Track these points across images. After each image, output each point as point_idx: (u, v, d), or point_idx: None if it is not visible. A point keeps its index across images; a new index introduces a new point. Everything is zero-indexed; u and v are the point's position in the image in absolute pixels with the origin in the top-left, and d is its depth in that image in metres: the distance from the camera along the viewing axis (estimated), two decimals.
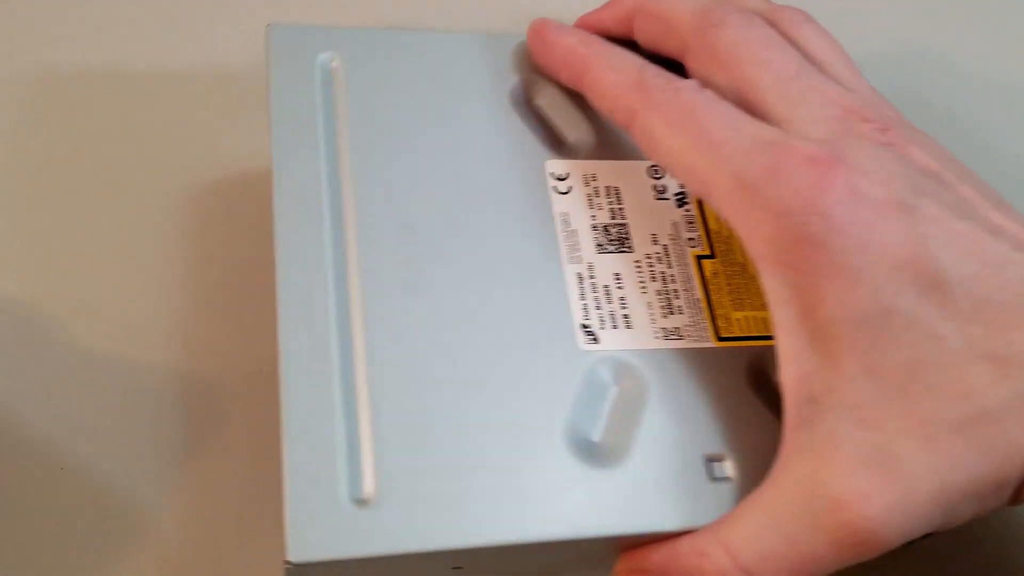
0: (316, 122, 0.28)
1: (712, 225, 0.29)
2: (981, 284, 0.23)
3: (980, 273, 0.23)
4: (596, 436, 0.26)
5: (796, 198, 0.23)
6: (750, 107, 0.26)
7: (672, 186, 0.30)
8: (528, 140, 0.29)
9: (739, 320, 0.28)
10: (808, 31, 0.29)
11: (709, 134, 0.25)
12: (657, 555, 0.25)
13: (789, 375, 0.24)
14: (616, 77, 0.27)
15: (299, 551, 0.23)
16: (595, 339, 0.27)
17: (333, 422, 0.24)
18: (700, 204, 0.29)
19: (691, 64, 0.28)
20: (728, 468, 0.25)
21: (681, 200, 0.29)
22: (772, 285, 0.24)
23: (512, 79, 0.30)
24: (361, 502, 0.23)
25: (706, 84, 0.28)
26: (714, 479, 0.25)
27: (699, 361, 0.27)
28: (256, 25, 0.31)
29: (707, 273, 0.28)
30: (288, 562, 0.23)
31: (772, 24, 0.28)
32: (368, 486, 0.24)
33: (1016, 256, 0.23)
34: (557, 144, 0.30)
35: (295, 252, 0.26)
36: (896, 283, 0.23)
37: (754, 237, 0.24)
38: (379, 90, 0.29)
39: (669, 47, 0.29)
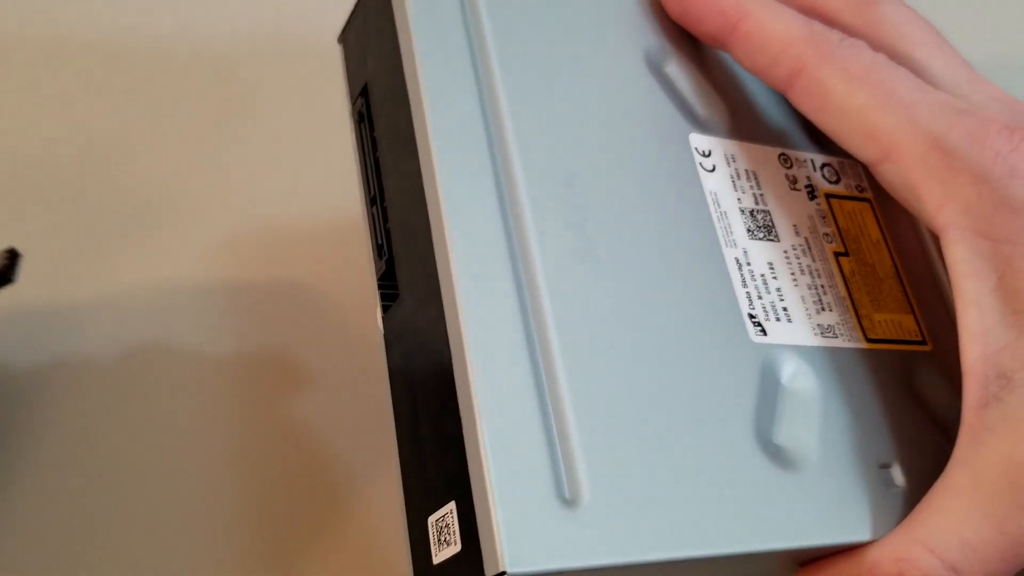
0: (463, 52, 0.24)
1: (842, 223, 0.28)
2: None
3: None
4: (778, 438, 0.23)
5: (999, 163, 0.23)
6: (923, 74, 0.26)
7: (801, 177, 0.28)
8: (668, 108, 0.27)
9: (881, 322, 0.26)
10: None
11: (900, 93, 0.24)
12: (848, 568, 0.23)
13: (975, 353, 0.23)
14: (783, 27, 0.25)
15: (516, 562, 0.19)
16: (763, 331, 0.24)
17: (533, 412, 0.20)
18: (828, 200, 0.28)
19: None
20: (898, 475, 0.24)
21: (811, 193, 0.28)
22: (964, 256, 0.23)
23: (645, 40, 0.27)
24: (570, 503, 0.20)
25: None
26: (888, 486, 0.24)
27: (856, 362, 0.25)
28: None
29: (846, 271, 0.27)
30: (504, 574, 0.18)
31: None
32: (577, 485, 0.20)
33: None
34: (692, 117, 0.27)
35: (462, 204, 0.22)
36: None
37: (949, 204, 0.23)
38: (523, 26, 0.25)
39: None
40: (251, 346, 0.29)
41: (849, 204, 0.28)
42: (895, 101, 0.24)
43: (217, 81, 0.35)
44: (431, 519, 0.21)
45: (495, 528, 0.19)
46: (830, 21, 0.27)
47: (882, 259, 0.28)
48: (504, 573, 0.18)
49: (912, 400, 0.26)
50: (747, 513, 0.22)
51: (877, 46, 0.26)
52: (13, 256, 0.25)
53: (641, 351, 0.22)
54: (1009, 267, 0.23)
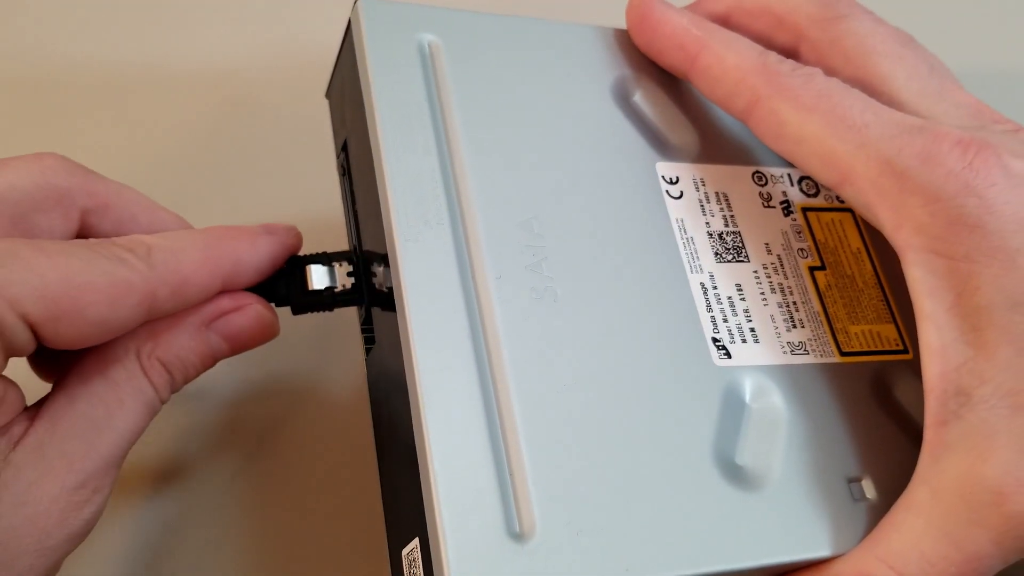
0: (423, 109, 0.25)
1: (819, 236, 0.28)
2: None
3: None
4: (740, 458, 0.24)
5: (951, 181, 0.23)
6: (882, 101, 0.26)
7: (776, 194, 0.28)
8: (634, 139, 0.28)
9: (857, 334, 0.27)
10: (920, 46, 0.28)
11: (850, 118, 0.24)
12: None
13: (934, 370, 0.23)
14: (737, 59, 0.26)
15: None
16: (728, 354, 0.25)
17: (484, 450, 0.22)
18: (805, 214, 0.28)
19: (808, 57, 0.27)
20: (868, 488, 0.25)
21: (787, 209, 0.28)
22: (921, 275, 0.23)
23: (612, 73, 0.28)
24: (520, 537, 0.21)
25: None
26: (855, 500, 0.24)
27: (827, 377, 0.26)
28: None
29: (821, 285, 0.27)
30: None
31: None
32: (526, 519, 0.21)
33: None
34: (661, 145, 0.28)
35: (419, 255, 0.23)
36: None
37: (904, 225, 0.23)
38: (484, 77, 0.27)
39: (780, 40, 0.28)
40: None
41: (828, 216, 0.28)
42: (846, 126, 0.24)
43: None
44: (403, 552, 0.23)
45: (444, 563, 0.20)
46: (799, 38, 0.27)
47: (863, 269, 0.28)
48: None
49: (888, 411, 0.26)
50: (705, 535, 0.22)
51: (843, 61, 0.27)
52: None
53: (597, 384, 0.23)
54: (966, 285, 0.23)
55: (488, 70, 0.27)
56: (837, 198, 0.29)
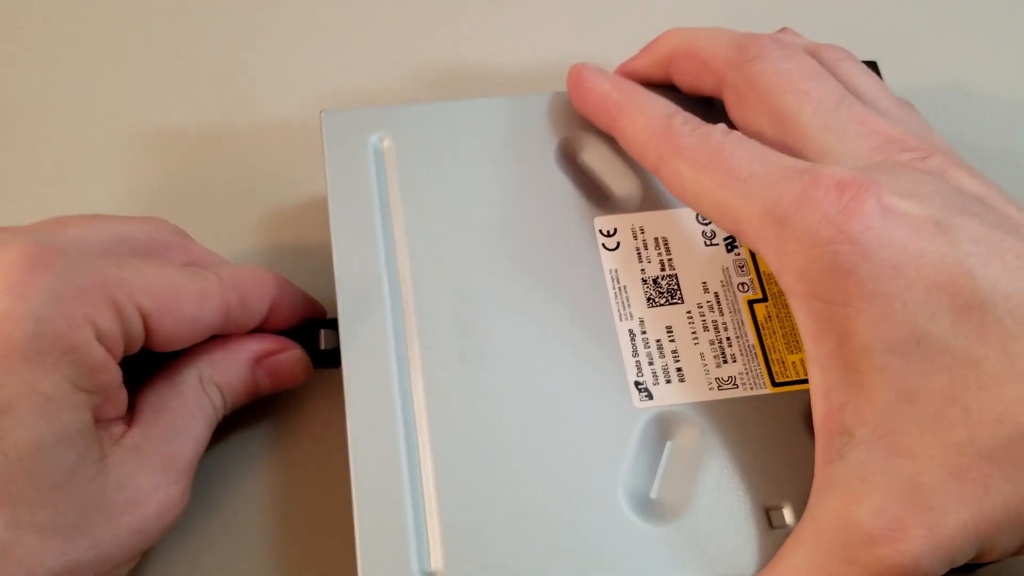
0: (372, 202, 0.29)
1: (764, 268, 0.29)
2: None
3: None
4: (653, 493, 0.26)
5: (824, 227, 0.23)
6: (790, 139, 0.27)
7: (721, 232, 0.30)
8: (575, 197, 0.30)
9: (794, 363, 0.28)
10: (849, 66, 0.29)
11: (736, 170, 0.25)
12: None
13: (820, 411, 0.24)
14: (645, 122, 0.28)
15: None
16: (649, 396, 0.27)
17: (402, 496, 0.26)
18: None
19: (729, 99, 0.29)
20: (787, 516, 0.26)
21: (731, 244, 0.30)
22: (803, 319, 0.24)
23: (555, 137, 0.31)
24: (431, 574, 0.25)
25: (744, 120, 0.28)
26: (773, 528, 0.26)
27: (755, 409, 0.27)
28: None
29: (760, 318, 0.29)
30: None
31: (813, 58, 0.28)
32: (436, 558, 0.25)
33: None
34: (604, 199, 0.30)
35: (358, 333, 0.28)
36: (931, 306, 0.23)
37: (785, 271, 0.24)
38: (427, 163, 0.30)
39: (706, 85, 0.29)
40: None
41: None
42: (732, 179, 0.25)
43: None
44: None
45: None
46: (720, 82, 0.29)
47: None
48: None
49: None
50: (607, 567, 0.25)
51: (757, 102, 0.28)
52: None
53: (514, 434, 0.26)
54: (845, 329, 0.23)
55: (432, 156, 0.30)
56: None
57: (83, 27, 0.39)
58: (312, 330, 0.31)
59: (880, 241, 0.23)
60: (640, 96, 0.29)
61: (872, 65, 0.33)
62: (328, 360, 0.30)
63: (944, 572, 0.23)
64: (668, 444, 0.27)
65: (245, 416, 0.31)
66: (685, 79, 0.30)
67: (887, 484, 0.23)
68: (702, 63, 0.29)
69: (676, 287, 0.29)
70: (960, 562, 0.23)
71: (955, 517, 0.22)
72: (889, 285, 0.23)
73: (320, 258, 0.31)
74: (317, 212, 0.34)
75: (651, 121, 0.28)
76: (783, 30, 0.33)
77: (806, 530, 0.24)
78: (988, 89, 0.39)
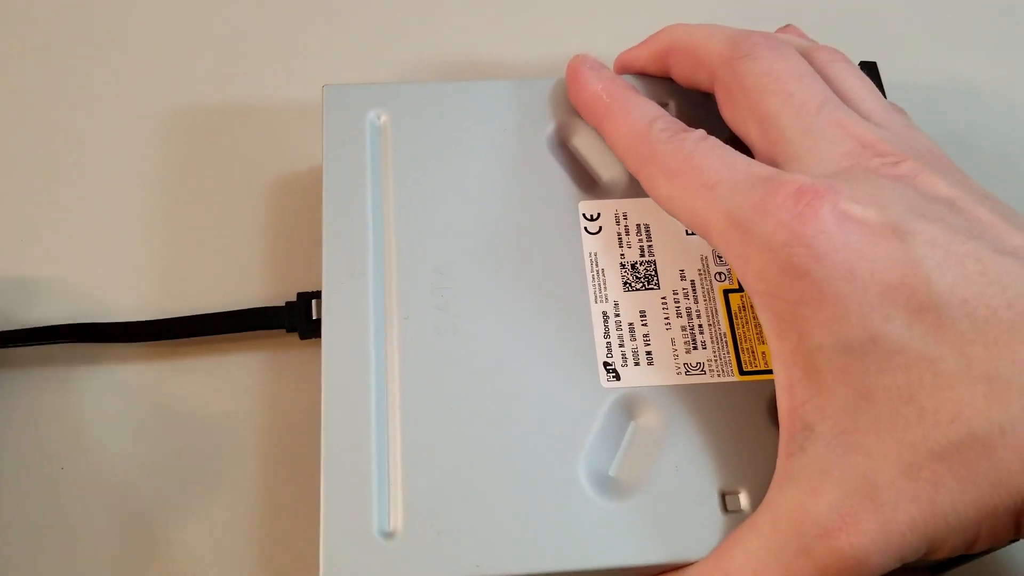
0: (364, 176, 0.30)
1: None
2: (985, 303, 0.23)
3: (984, 292, 0.23)
4: (612, 470, 0.27)
5: (780, 231, 0.24)
6: (771, 140, 0.27)
7: None
8: (563, 181, 0.31)
9: (764, 353, 0.28)
10: (842, 68, 0.29)
11: (704, 177, 0.26)
12: None
13: (784, 406, 0.25)
14: (628, 128, 0.28)
15: None
16: (617, 376, 0.28)
17: (368, 459, 0.27)
18: None
19: (720, 96, 0.29)
20: (743, 501, 0.26)
21: None
22: (766, 318, 0.25)
23: (550, 121, 0.32)
24: (389, 535, 0.26)
25: (733, 118, 0.28)
26: (727, 512, 0.26)
27: (720, 396, 0.28)
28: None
29: (734, 307, 0.29)
30: None
31: (805, 58, 0.29)
32: (395, 520, 0.26)
33: None
34: (591, 184, 0.31)
35: (339, 302, 0.29)
36: (885, 308, 0.23)
37: (747, 273, 0.25)
38: (422, 142, 0.31)
39: (699, 80, 0.30)
40: None
41: None
42: (699, 185, 0.26)
43: None
44: None
45: (320, 556, 0.26)
46: (712, 78, 0.29)
47: None
48: None
49: None
50: (564, 537, 0.26)
51: (744, 101, 0.28)
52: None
53: (481, 405, 0.27)
54: (803, 328, 0.24)
55: (427, 135, 0.31)
56: None
57: (92, 11, 0.40)
58: (305, 301, 0.32)
59: (833, 245, 0.23)
60: (628, 100, 0.29)
61: (872, 66, 0.33)
62: (320, 330, 0.32)
63: (894, 567, 0.23)
64: (632, 424, 0.28)
65: (236, 383, 0.32)
66: (681, 73, 0.31)
67: (843, 479, 0.23)
68: (696, 58, 0.30)
69: (654, 273, 0.29)
70: (910, 559, 0.23)
71: (905, 514, 0.23)
72: (842, 287, 0.23)
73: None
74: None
75: (633, 127, 0.28)
76: (786, 27, 0.33)
77: (763, 517, 0.24)
78: (988, 89, 0.39)
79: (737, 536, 0.25)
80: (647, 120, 0.28)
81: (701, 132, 0.27)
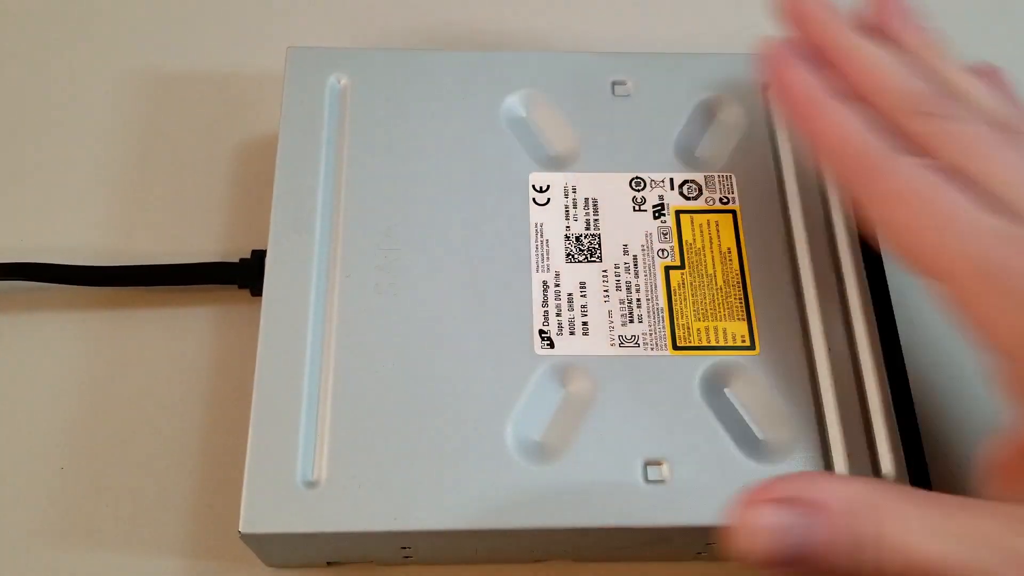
0: (320, 136, 0.31)
1: (687, 237, 0.30)
2: None
3: None
4: (538, 435, 0.27)
5: None
6: (978, 191, 0.25)
7: (652, 198, 0.31)
8: (516, 153, 0.31)
9: (700, 330, 0.28)
10: None
11: (939, 215, 0.24)
12: None
13: None
14: (841, 134, 0.26)
15: (249, 524, 0.26)
16: (551, 344, 0.28)
17: (298, 409, 0.27)
18: (677, 216, 0.30)
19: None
20: (665, 472, 0.27)
21: (658, 212, 0.30)
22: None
23: (507, 94, 0.32)
24: (311, 484, 0.26)
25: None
26: (648, 482, 0.26)
27: (652, 369, 0.28)
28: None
29: (673, 284, 0.29)
30: (240, 532, 0.26)
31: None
32: (319, 470, 0.26)
33: None
34: (544, 157, 0.31)
35: (283, 256, 0.29)
36: None
37: (996, 326, 0.23)
38: (381, 107, 0.32)
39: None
40: None
41: (702, 218, 0.30)
42: (936, 223, 0.24)
43: None
44: None
45: (242, 500, 0.26)
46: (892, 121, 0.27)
47: (728, 268, 0.29)
48: (240, 532, 0.26)
49: (712, 403, 0.27)
50: (484, 497, 0.26)
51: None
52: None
53: (413, 364, 0.28)
54: None
55: (387, 100, 0.32)
56: (721, 199, 0.30)
57: None
58: (259, 258, 0.32)
59: None
60: (836, 108, 0.27)
61: None
62: None
63: None
64: (563, 392, 0.28)
65: (187, 335, 0.33)
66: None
67: None
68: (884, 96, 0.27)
69: (597, 246, 0.30)
70: None
71: None
72: None
73: None
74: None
75: (846, 136, 0.26)
76: (987, 69, 0.29)
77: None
78: None
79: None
80: (861, 132, 0.26)
81: (920, 160, 0.25)
